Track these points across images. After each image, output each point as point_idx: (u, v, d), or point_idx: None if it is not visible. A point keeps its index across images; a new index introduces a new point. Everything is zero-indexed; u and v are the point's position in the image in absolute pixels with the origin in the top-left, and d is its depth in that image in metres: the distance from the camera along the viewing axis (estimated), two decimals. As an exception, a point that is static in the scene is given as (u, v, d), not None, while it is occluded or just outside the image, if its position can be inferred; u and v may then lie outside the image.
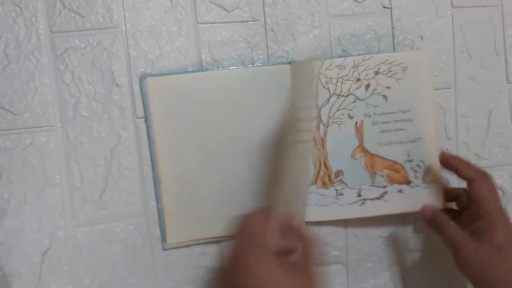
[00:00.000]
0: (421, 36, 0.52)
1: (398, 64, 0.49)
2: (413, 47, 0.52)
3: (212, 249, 0.50)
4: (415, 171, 0.50)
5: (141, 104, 0.48)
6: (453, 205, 0.50)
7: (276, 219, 0.36)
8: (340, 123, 0.50)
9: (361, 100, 0.50)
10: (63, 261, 0.47)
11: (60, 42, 0.47)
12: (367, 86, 0.49)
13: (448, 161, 0.47)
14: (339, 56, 0.50)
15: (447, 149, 0.52)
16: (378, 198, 0.50)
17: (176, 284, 0.50)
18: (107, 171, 0.48)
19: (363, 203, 0.50)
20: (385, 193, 0.50)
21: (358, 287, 0.53)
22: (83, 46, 0.47)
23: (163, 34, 0.48)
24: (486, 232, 0.42)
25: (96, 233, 0.48)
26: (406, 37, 0.52)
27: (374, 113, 0.50)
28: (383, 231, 0.53)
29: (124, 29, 0.48)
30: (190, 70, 0.49)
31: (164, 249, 0.49)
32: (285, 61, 0.50)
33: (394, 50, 0.52)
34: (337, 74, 0.49)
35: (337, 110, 0.50)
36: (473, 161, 0.53)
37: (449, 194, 0.50)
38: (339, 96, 0.49)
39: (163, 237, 0.48)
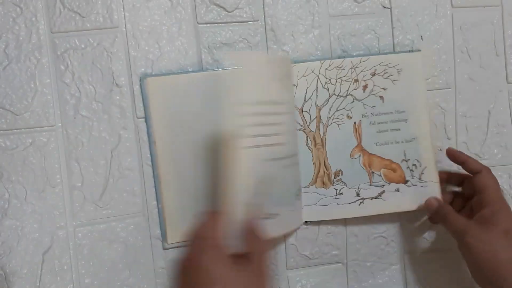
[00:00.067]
0: (421, 36, 0.52)
1: (393, 66, 0.50)
2: (413, 47, 0.52)
3: (212, 249, 0.50)
4: (412, 170, 0.50)
5: (141, 104, 0.48)
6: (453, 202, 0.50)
7: (225, 221, 0.37)
8: (339, 123, 0.50)
9: (359, 100, 0.50)
10: (64, 260, 0.47)
11: (60, 42, 0.47)
12: (365, 87, 0.50)
13: (456, 155, 0.49)
14: (339, 57, 0.50)
15: (440, 149, 0.52)
16: (376, 197, 0.50)
17: (176, 283, 0.50)
18: (107, 171, 0.48)
19: (362, 202, 0.50)
20: (383, 192, 0.50)
21: (357, 287, 0.53)
22: (83, 46, 0.47)
23: (163, 34, 0.48)
24: (491, 218, 0.44)
25: (97, 233, 0.48)
26: (406, 37, 0.52)
27: (371, 113, 0.50)
28: (382, 231, 0.53)
29: (124, 29, 0.48)
30: (190, 70, 0.49)
31: (164, 249, 0.49)
32: (285, 61, 0.50)
33: (394, 50, 0.52)
34: (336, 75, 0.49)
35: (337, 110, 0.50)
36: (473, 161, 0.53)
37: (452, 178, 0.51)
38: (338, 97, 0.50)
39: (164, 237, 0.48)
